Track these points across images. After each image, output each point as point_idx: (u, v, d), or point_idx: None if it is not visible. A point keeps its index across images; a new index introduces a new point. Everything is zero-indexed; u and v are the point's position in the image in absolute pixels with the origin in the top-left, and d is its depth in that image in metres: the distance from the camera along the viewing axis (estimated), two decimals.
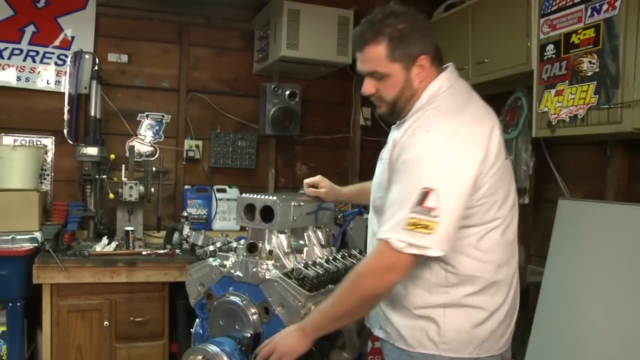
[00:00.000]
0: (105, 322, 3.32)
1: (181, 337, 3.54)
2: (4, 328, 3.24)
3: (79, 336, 3.28)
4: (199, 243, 3.38)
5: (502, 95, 3.37)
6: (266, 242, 2.02)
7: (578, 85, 2.52)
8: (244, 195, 2.09)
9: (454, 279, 1.68)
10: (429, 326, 1.69)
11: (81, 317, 3.28)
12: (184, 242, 3.50)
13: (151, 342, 3.44)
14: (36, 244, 3.29)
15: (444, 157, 1.58)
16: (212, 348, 1.83)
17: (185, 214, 3.63)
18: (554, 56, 2.69)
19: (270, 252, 2.00)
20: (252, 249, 2.01)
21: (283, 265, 2.00)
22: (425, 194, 1.53)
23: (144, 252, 3.45)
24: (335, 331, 1.96)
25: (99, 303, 3.31)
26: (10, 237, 3.24)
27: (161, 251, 3.48)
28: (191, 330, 2.19)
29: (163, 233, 3.79)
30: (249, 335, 1.93)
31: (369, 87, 1.81)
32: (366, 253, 1.98)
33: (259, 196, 2.06)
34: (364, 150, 4.56)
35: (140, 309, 3.39)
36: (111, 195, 3.62)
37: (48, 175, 3.92)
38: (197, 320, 2.17)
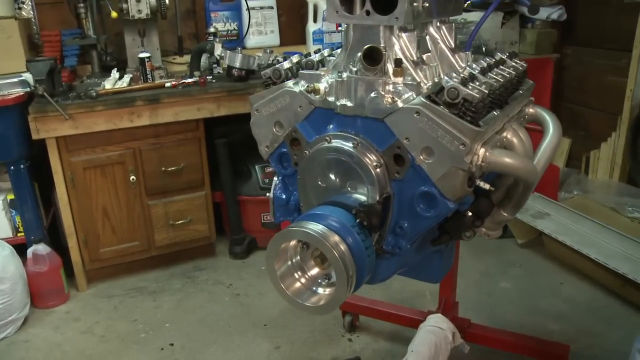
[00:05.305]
0: (132, 177, 2.94)
1: (225, 183, 3.19)
2: (11, 196, 2.91)
3: (102, 197, 2.93)
4: (237, 65, 2.90)
5: None
6: (386, 47, 1.20)
7: None
8: None
9: None
10: None
11: (100, 174, 2.90)
12: (215, 65, 3.12)
13: (190, 194, 3.09)
14: (28, 89, 2.77)
15: None
16: (314, 227, 1.12)
17: (211, 29, 3.16)
18: None
19: (398, 62, 1.18)
20: (372, 57, 1.17)
21: (417, 85, 1.20)
22: None
23: (167, 84, 2.93)
24: (494, 185, 1.31)
25: (119, 154, 2.89)
26: None
27: (189, 80, 2.96)
28: (268, 195, 1.45)
29: (187, 58, 3.28)
30: (370, 201, 1.19)
31: None
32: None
33: None
34: None
35: (172, 155, 2.98)
36: (114, 14, 3.03)
37: None
38: (276, 179, 1.43)
